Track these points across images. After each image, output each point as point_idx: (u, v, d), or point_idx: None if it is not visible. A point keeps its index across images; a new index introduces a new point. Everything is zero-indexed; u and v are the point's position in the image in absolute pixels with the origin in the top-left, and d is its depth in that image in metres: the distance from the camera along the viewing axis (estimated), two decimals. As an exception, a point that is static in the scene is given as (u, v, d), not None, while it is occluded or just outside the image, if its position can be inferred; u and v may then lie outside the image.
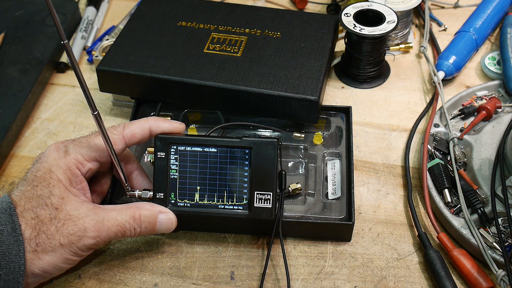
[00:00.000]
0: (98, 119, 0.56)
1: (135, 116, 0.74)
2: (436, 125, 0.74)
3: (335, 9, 0.95)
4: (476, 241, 0.61)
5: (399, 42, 0.87)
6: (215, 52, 0.75)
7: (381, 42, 0.79)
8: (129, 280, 0.62)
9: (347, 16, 0.79)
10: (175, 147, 0.61)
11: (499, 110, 0.75)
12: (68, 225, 0.55)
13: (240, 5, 0.84)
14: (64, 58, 0.88)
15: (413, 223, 0.65)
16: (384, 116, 0.79)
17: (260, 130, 0.73)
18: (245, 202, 0.61)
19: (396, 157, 0.73)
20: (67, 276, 0.62)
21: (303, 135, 0.72)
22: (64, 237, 0.54)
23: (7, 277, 0.52)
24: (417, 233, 0.64)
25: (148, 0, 0.84)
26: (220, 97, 0.71)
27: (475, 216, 0.64)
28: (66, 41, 0.50)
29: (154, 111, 0.74)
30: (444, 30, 0.91)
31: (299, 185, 0.67)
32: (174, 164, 0.61)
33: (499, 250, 0.61)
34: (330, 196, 0.66)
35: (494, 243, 0.61)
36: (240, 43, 0.76)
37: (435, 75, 0.80)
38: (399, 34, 0.87)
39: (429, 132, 0.73)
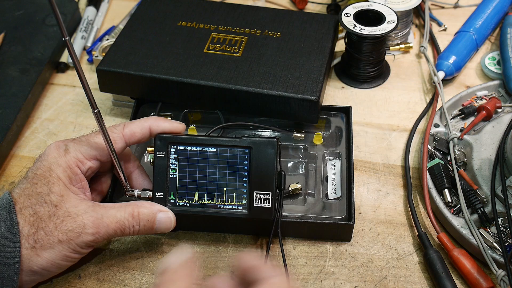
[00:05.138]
0: (98, 117, 0.56)
1: (135, 116, 0.74)
2: (436, 125, 0.74)
3: (335, 9, 0.95)
4: (476, 241, 0.61)
5: (399, 42, 0.87)
6: (215, 52, 0.75)
7: (381, 42, 0.79)
8: (129, 280, 0.62)
9: (347, 16, 0.79)
10: (175, 146, 0.61)
11: (499, 110, 0.75)
12: (67, 222, 0.55)
13: (240, 5, 0.84)
14: (64, 58, 0.88)
15: (413, 223, 0.65)
16: (384, 116, 0.79)
17: (260, 130, 0.73)
18: (244, 202, 0.61)
19: (396, 157, 0.73)
20: (67, 276, 0.62)
21: (303, 135, 0.72)
22: (62, 234, 0.54)
23: (2, 274, 0.52)
24: (417, 233, 0.64)
25: (148, 0, 0.84)
26: (220, 97, 0.71)
27: (475, 216, 0.64)
28: (67, 37, 0.50)
29: (154, 111, 0.74)
30: (444, 30, 0.91)
31: (299, 185, 0.66)
32: (174, 164, 0.61)
33: (499, 250, 0.61)
34: (330, 196, 0.66)
35: (494, 243, 0.61)
36: (240, 43, 0.76)
37: (435, 75, 0.80)
38: (399, 34, 0.87)
39: (429, 132, 0.73)
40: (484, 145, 0.70)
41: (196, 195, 0.61)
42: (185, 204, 0.61)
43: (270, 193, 0.60)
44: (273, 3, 0.98)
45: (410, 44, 0.87)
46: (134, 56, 0.74)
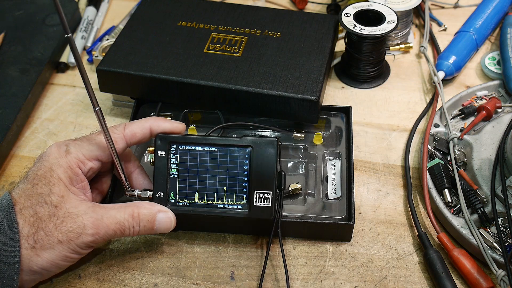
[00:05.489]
0: (99, 115, 0.56)
1: (135, 116, 0.74)
2: (436, 125, 0.74)
3: (335, 9, 0.95)
4: (476, 241, 0.61)
5: (399, 42, 0.87)
6: (215, 52, 0.75)
7: (381, 42, 0.79)
8: (129, 280, 0.62)
9: (347, 16, 0.79)
10: (175, 146, 0.61)
11: (499, 110, 0.75)
12: (67, 222, 0.55)
13: (240, 5, 0.84)
14: (64, 58, 0.88)
15: (413, 223, 0.65)
16: (384, 116, 0.79)
17: (260, 130, 0.73)
18: (244, 201, 0.61)
19: (396, 157, 0.73)
20: (67, 276, 0.62)
21: (303, 135, 0.72)
22: (62, 234, 0.54)
23: (2, 274, 0.52)
24: (417, 233, 0.64)
25: (148, 0, 0.84)
26: (220, 97, 0.71)
27: (475, 216, 0.64)
28: (69, 34, 0.50)
29: (154, 111, 0.74)
30: (444, 30, 0.91)
31: (299, 185, 0.66)
32: (174, 164, 0.61)
33: (499, 250, 0.61)
34: (330, 196, 0.66)
35: (494, 243, 0.61)
36: (240, 43, 0.76)
37: (435, 75, 0.80)
38: (399, 34, 0.87)
39: (429, 132, 0.73)
40: (484, 145, 0.70)
41: (197, 195, 0.61)
42: (185, 204, 0.61)
43: (271, 192, 0.60)
44: (273, 3, 0.98)
45: (410, 44, 0.87)
46: (134, 56, 0.74)
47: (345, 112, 0.73)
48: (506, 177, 0.64)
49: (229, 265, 0.63)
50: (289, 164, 0.70)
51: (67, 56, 0.88)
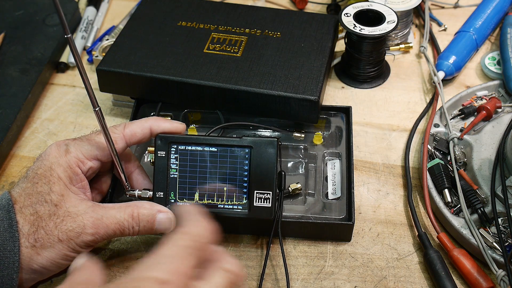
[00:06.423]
0: (99, 115, 0.56)
1: (135, 116, 0.74)
2: (436, 125, 0.74)
3: (335, 9, 0.95)
4: (476, 241, 0.61)
5: (399, 42, 0.87)
6: (215, 52, 0.75)
7: (381, 42, 0.79)
8: (129, 280, 0.62)
9: (347, 16, 0.79)
10: (175, 146, 0.61)
11: (499, 110, 0.75)
12: (67, 222, 0.55)
13: (240, 5, 0.84)
14: (64, 58, 0.88)
15: (413, 223, 0.65)
16: (384, 116, 0.79)
17: (260, 130, 0.73)
18: (244, 201, 0.61)
19: (396, 157, 0.73)
20: (66, 275, 0.61)
21: (303, 135, 0.72)
22: (62, 233, 0.55)
23: (1, 273, 0.52)
24: (417, 233, 0.64)
25: (148, 0, 0.84)
26: (220, 97, 0.71)
27: (475, 216, 0.64)
28: (69, 35, 0.50)
29: (154, 111, 0.74)
30: (444, 30, 0.91)
31: (299, 185, 0.66)
32: (174, 164, 0.61)
33: (499, 250, 0.61)
34: (330, 196, 0.66)
35: (494, 243, 0.61)
36: (240, 43, 0.76)
37: (435, 75, 0.80)
38: (399, 34, 0.87)
39: (429, 132, 0.73)
40: (484, 145, 0.70)
41: (197, 195, 0.61)
42: (185, 204, 0.61)
43: (271, 192, 0.60)
44: (273, 3, 0.98)
45: (410, 44, 0.87)
46: (134, 56, 0.74)
47: (345, 112, 0.73)
48: (506, 177, 0.64)
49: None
50: (289, 164, 0.70)
51: (67, 56, 0.88)
